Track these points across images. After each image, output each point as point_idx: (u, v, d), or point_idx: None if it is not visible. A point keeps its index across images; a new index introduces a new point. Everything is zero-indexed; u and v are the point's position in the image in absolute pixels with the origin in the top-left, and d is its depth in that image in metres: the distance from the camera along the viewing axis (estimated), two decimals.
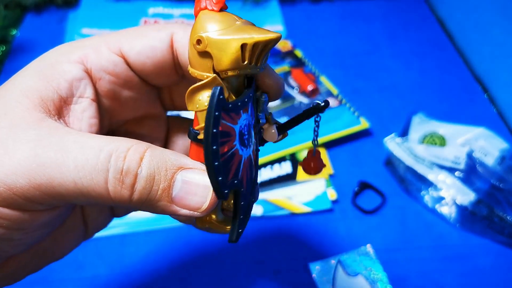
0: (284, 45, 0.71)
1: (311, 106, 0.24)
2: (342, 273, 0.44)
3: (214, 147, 0.20)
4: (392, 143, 0.54)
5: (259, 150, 0.25)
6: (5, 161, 0.20)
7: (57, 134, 0.22)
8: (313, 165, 0.28)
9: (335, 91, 0.63)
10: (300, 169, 0.54)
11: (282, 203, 0.51)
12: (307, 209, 0.50)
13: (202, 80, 0.21)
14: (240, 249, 0.47)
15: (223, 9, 0.22)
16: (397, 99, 0.65)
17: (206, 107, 0.21)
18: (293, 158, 0.55)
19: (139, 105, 0.28)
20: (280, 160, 0.54)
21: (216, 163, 0.20)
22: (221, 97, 0.20)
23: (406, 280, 0.45)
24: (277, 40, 0.21)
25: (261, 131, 0.26)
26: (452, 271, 0.46)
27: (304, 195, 0.51)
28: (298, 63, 0.67)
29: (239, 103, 0.21)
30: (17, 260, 0.26)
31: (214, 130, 0.20)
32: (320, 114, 0.25)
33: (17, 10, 0.75)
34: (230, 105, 0.21)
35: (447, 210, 0.50)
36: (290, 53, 0.69)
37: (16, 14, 0.74)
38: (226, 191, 0.21)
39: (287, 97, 0.61)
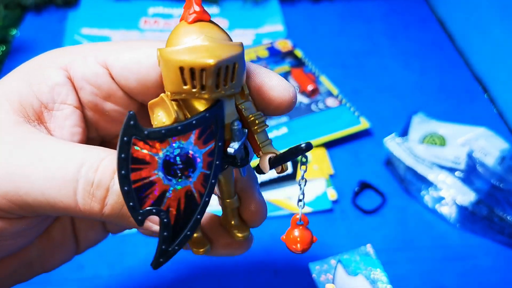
0: (284, 45, 0.71)
1: (295, 146, 0.23)
2: (342, 273, 0.44)
3: (123, 172, 0.19)
4: (392, 143, 0.54)
5: (215, 181, 0.22)
6: None
7: (32, 140, 0.21)
8: (299, 236, 0.23)
9: (335, 91, 0.63)
10: (300, 169, 0.53)
11: (282, 203, 0.51)
12: (307, 209, 0.50)
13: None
14: None
15: (201, 20, 0.20)
16: (397, 99, 0.65)
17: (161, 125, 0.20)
18: None
19: None
20: None
21: (126, 188, 0.19)
22: (131, 123, 0.19)
23: (406, 280, 0.45)
24: (212, 66, 0.19)
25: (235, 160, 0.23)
26: (452, 271, 0.46)
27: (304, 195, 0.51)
28: (298, 63, 0.67)
29: (164, 131, 0.20)
30: (2, 268, 0.25)
31: (122, 155, 0.19)
32: (306, 160, 0.23)
33: (17, 10, 0.75)
34: (147, 132, 0.19)
35: (447, 210, 0.50)
36: (290, 53, 0.69)
37: (16, 14, 0.74)
38: (139, 218, 0.20)
39: None
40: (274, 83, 0.23)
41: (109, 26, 0.74)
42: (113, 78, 0.24)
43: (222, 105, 0.21)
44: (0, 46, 0.68)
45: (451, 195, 0.49)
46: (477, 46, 0.71)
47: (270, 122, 0.57)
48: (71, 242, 0.28)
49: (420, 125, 0.56)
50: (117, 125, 0.26)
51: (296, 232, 0.23)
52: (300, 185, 0.23)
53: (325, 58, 0.70)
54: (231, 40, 0.21)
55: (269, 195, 0.51)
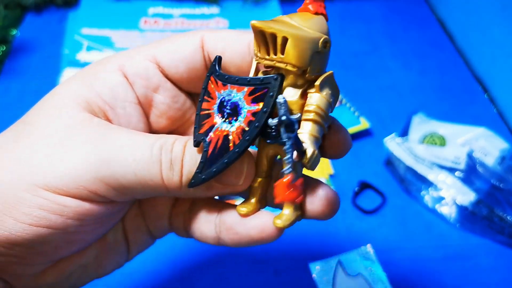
0: None
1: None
2: (342, 273, 0.44)
3: (200, 100, 0.25)
4: (392, 143, 0.54)
5: (249, 142, 0.23)
6: (70, 159, 0.23)
7: (110, 131, 0.24)
8: (288, 191, 0.24)
9: None
10: None
11: None
12: None
13: None
14: (241, 248, 0.47)
15: (307, 11, 0.24)
16: (397, 99, 0.65)
17: None
18: None
19: (176, 113, 0.29)
20: None
21: (197, 113, 0.25)
22: (213, 63, 0.25)
23: (406, 280, 0.45)
24: (253, 26, 0.23)
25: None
26: (452, 271, 0.46)
27: None
28: None
29: (226, 77, 0.24)
30: (62, 268, 0.27)
31: (203, 87, 0.25)
32: (292, 126, 0.22)
33: (17, 10, 0.75)
34: (217, 73, 0.24)
35: (447, 210, 0.50)
36: None
37: (16, 14, 0.74)
38: (195, 139, 0.24)
39: None
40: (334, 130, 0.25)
41: (109, 26, 0.74)
42: (162, 71, 0.27)
43: (279, 77, 0.23)
44: (0, 46, 0.68)
45: (451, 195, 0.49)
46: (477, 46, 0.71)
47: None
48: (123, 247, 0.30)
49: (420, 125, 0.56)
50: (164, 120, 0.29)
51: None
52: (288, 149, 0.23)
53: None
54: (326, 34, 0.23)
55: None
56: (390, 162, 0.55)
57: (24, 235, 0.23)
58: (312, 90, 0.24)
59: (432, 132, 0.55)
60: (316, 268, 0.45)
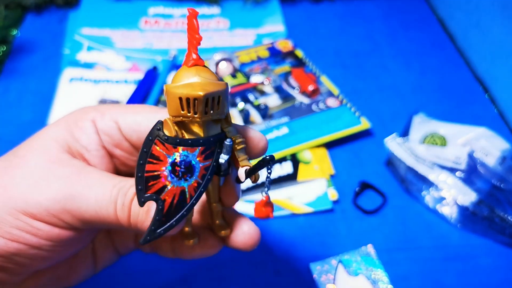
0: (284, 45, 0.71)
1: (261, 159, 0.28)
2: (343, 273, 0.44)
3: (141, 162, 0.26)
4: (393, 143, 0.54)
5: (204, 189, 0.28)
6: (46, 191, 0.28)
7: (83, 171, 0.29)
8: (264, 209, 0.32)
9: (335, 91, 0.63)
10: (301, 169, 0.54)
11: (283, 203, 0.51)
12: (308, 209, 0.50)
13: None
14: None
15: (197, 64, 0.27)
16: (397, 99, 0.65)
17: None
18: (293, 158, 0.55)
19: (134, 163, 0.34)
20: (280, 160, 0.54)
21: (139, 174, 0.26)
22: (157, 128, 0.26)
23: (407, 280, 0.45)
24: (201, 96, 0.25)
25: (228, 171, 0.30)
26: (453, 271, 0.46)
27: (305, 195, 0.51)
28: (299, 63, 0.67)
29: (178, 140, 0.26)
30: (38, 278, 0.32)
31: (145, 150, 0.26)
32: (271, 167, 0.29)
33: (18, 10, 0.75)
34: (167, 138, 0.26)
35: (448, 210, 0.50)
36: (291, 53, 0.69)
37: (16, 14, 0.74)
38: (142, 200, 0.26)
39: (288, 97, 0.61)
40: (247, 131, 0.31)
41: (110, 26, 0.74)
42: (121, 133, 0.32)
43: (223, 135, 0.28)
44: (0, 46, 0.68)
45: (452, 195, 0.49)
46: (477, 46, 0.71)
47: (271, 123, 0.57)
48: (90, 261, 0.35)
49: (421, 125, 0.56)
50: (125, 167, 0.34)
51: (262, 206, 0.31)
52: (267, 182, 0.31)
53: (325, 58, 0.70)
54: (219, 80, 0.28)
55: (270, 195, 0.51)
56: (390, 162, 0.55)
57: (6, 248, 0.28)
58: (226, 125, 0.29)
59: (432, 132, 0.55)
60: (317, 269, 0.45)
